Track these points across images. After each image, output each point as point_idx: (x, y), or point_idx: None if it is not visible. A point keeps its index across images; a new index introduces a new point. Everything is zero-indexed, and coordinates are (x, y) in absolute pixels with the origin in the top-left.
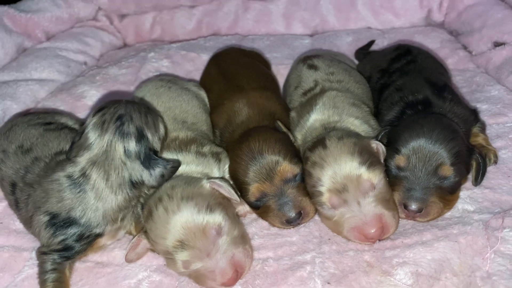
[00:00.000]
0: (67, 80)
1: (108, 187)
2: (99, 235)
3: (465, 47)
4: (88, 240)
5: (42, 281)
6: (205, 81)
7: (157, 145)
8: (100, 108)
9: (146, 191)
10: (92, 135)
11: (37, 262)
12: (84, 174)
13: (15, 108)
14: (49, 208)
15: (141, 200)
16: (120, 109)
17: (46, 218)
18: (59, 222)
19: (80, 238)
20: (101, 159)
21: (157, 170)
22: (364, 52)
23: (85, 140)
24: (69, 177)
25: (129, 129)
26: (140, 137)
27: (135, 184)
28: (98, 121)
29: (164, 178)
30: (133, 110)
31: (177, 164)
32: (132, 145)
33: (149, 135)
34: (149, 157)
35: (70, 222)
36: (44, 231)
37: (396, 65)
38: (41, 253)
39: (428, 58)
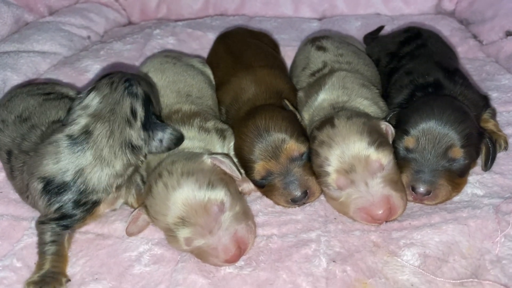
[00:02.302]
0: (70, 54)
1: (109, 146)
2: (96, 203)
3: (475, 36)
4: (86, 208)
5: (41, 253)
6: (212, 59)
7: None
8: (107, 74)
9: (143, 159)
10: (99, 94)
11: (37, 232)
12: (86, 131)
13: (15, 79)
14: (43, 172)
15: (140, 171)
16: (127, 75)
17: (41, 186)
18: (53, 188)
19: (77, 205)
20: (107, 115)
21: (157, 134)
22: (373, 37)
23: (90, 99)
24: (69, 136)
25: (137, 90)
26: (147, 100)
27: (135, 148)
28: (106, 82)
29: (162, 144)
30: (140, 78)
31: (178, 132)
32: (139, 106)
33: (154, 102)
34: (150, 121)
35: (64, 187)
36: (40, 199)
37: (406, 48)
38: (40, 222)
39: (438, 42)
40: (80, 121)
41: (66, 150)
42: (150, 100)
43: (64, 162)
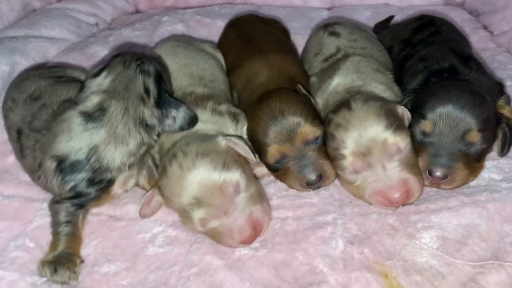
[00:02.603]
0: (78, 40)
1: (123, 123)
2: (111, 182)
3: (485, 27)
4: (101, 186)
5: (56, 233)
6: (223, 44)
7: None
8: (118, 53)
9: (155, 137)
10: (112, 72)
11: (50, 213)
12: (101, 108)
13: (24, 63)
14: (56, 151)
15: (152, 153)
16: (138, 54)
17: (54, 164)
18: (67, 167)
19: (91, 184)
20: (122, 92)
21: (170, 111)
22: (383, 26)
23: (103, 77)
24: (83, 113)
25: (149, 68)
26: (159, 78)
27: (148, 126)
28: (119, 60)
29: (176, 123)
30: (151, 57)
31: (192, 111)
32: (151, 84)
33: (166, 81)
34: (164, 99)
35: (78, 165)
36: (54, 178)
37: (419, 36)
38: (54, 202)
39: (452, 30)
40: (93, 99)
41: (79, 127)
42: (162, 78)
43: (78, 139)
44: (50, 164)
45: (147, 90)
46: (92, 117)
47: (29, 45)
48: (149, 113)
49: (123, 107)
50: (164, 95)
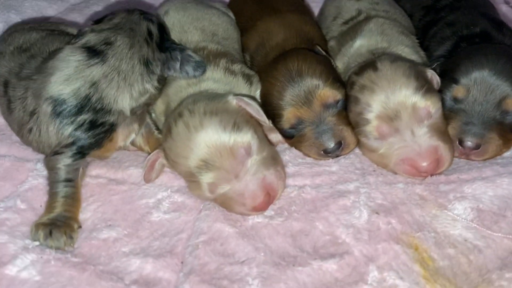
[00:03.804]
0: (78, 1)
1: (128, 58)
2: (113, 126)
3: (507, 2)
4: (103, 130)
5: (53, 194)
6: (234, 4)
7: None
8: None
9: (157, 84)
10: (117, 17)
11: (47, 168)
12: (107, 42)
13: (24, 20)
14: (52, 91)
15: (150, 110)
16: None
17: (50, 108)
18: (66, 108)
19: (93, 126)
20: (128, 30)
21: (175, 54)
22: None
23: (107, 20)
24: (86, 47)
25: (151, 17)
26: (162, 26)
27: (151, 68)
28: (123, 10)
29: (183, 67)
30: (155, 14)
31: (197, 56)
32: (154, 28)
33: (167, 32)
34: (167, 44)
35: (78, 106)
36: (51, 124)
37: (444, 1)
38: (52, 154)
39: None
40: (97, 35)
41: (79, 63)
42: (165, 28)
43: (77, 76)
44: (46, 107)
45: (150, 34)
46: (96, 51)
47: (25, 3)
48: (152, 55)
49: (128, 42)
50: (167, 41)
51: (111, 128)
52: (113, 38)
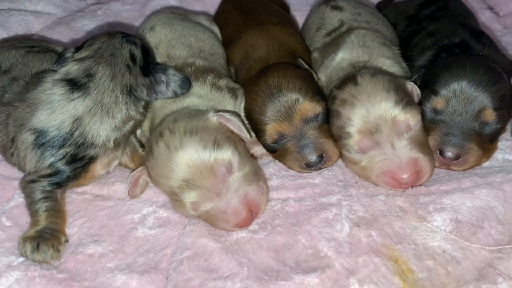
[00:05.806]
0: (64, 15)
1: (111, 89)
2: (93, 159)
3: (490, 8)
4: (82, 164)
5: (34, 212)
6: (220, 17)
7: None
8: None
9: (142, 110)
10: (97, 41)
11: (24, 193)
12: (88, 74)
13: (5, 37)
14: (35, 123)
15: (138, 130)
16: (122, 32)
17: (32, 138)
18: (48, 141)
19: (73, 160)
20: (108, 59)
21: (159, 77)
22: (386, 4)
23: (88, 46)
24: (68, 80)
25: (135, 39)
26: (145, 48)
27: (135, 96)
28: (103, 33)
29: (169, 87)
30: (136, 35)
31: (181, 73)
32: (138, 52)
33: (151, 54)
34: (150, 67)
35: (60, 140)
36: (31, 153)
37: (426, 11)
38: (28, 181)
39: (461, 5)
40: (78, 65)
41: (62, 97)
42: (148, 50)
43: (61, 111)
44: (28, 137)
45: (133, 58)
46: (77, 84)
47: (11, 18)
48: (135, 82)
49: (110, 73)
50: (151, 64)
51: (90, 161)
52: (94, 69)
